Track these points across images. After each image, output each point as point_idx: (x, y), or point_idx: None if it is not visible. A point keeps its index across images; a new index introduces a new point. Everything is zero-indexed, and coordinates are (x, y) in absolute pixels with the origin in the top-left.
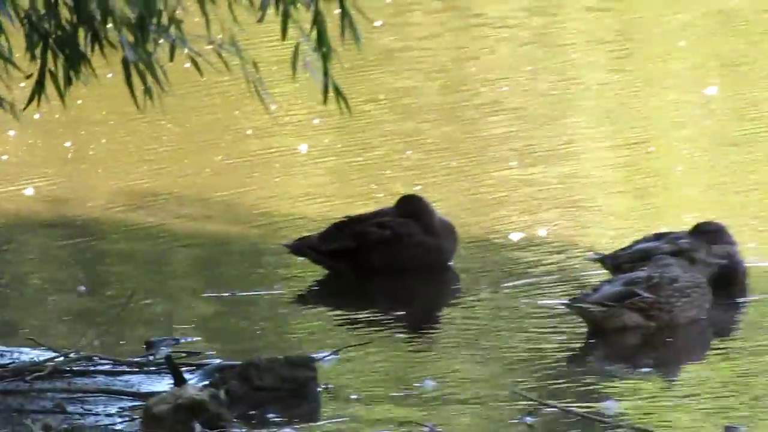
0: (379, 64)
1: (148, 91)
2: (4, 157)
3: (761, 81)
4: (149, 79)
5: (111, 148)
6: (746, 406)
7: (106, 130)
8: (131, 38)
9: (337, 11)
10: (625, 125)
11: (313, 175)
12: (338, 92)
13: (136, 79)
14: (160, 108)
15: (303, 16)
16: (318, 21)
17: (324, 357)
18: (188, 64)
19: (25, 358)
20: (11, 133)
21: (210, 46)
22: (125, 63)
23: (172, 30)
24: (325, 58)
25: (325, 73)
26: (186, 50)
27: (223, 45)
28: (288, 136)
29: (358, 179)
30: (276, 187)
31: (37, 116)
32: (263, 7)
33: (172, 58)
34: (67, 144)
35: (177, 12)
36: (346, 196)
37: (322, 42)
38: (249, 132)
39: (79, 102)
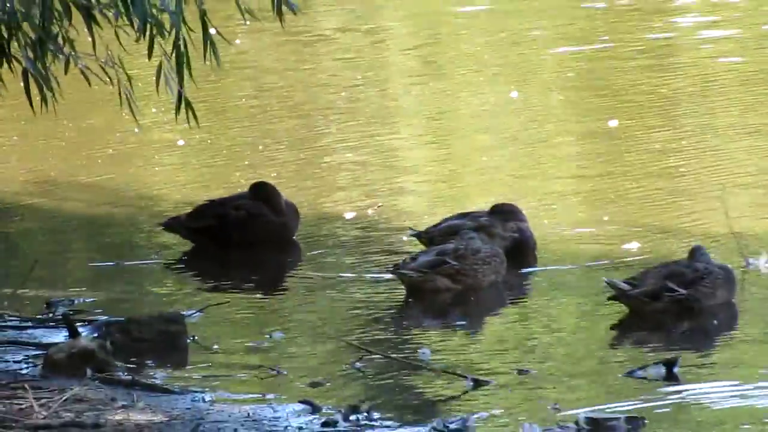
0: (237, 75)
1: (44, 98)
2: None
3: (553, 85)
4: (45, 87)
5: (21, 143)
6: (534, 354)
7: (17, 128)
8: (32, 55)
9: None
10: (439, 122)
11: (185, 164)
12: (189, 105)
13: (35, 89)
14: (54, 111)
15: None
16: (177, 46)
17: (192, 314)
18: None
19: None
20: None
21: (97, 62)
22: (25, 74)
23: (67, 48)
24: (180, 78)
25: (179, 93)
26: (78, 65)
27: (107, 62)
28: (168, 133)
29: (222, 168)
30: (154, 175)
31: None
32: (139, 31)
33: (66, 71)
34: None
35: (71, 33)
36: (211, 182)
37: (180, 65)
38: (135, 130)
39: None
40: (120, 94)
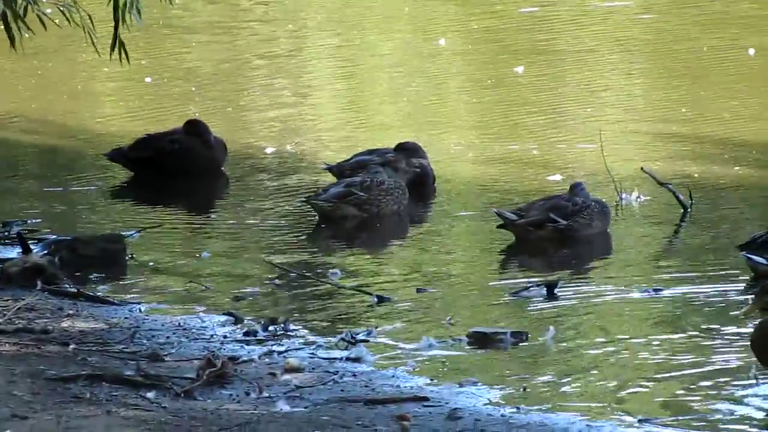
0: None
1: (12, 39)
2: None
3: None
4: (14, 28)
5: None
6: (431, 276)
7: None
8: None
9: None
10: (351, 70)
11: (129, 101)
12: (122, 45)
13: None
14: (23, 51)
15: None
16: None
17: (130, 234)
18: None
19: None
20: None
21: (56, 5)
22: (3, 17)
23: None
24: (116, 21)
25: (114, 34)
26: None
27: (65, 4)
28: (110, 76)
29: (158, 106)
30: (104, 112)
31: None
32: None
33: (25, 14)
34: None
35: None
36: (151, 119)
37: (116, 11)
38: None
39: None
40: (85, 32)
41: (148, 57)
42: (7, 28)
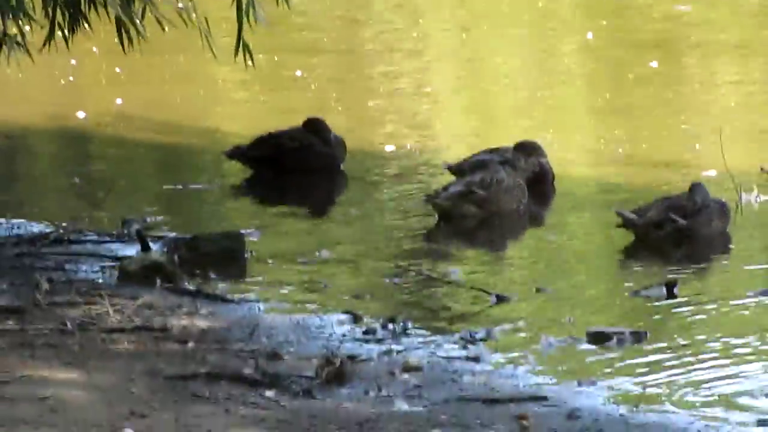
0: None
1: (130, 40)
2: None
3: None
4: (132, 29)
5: (105, 77)
6: (551, 274)
7: (101, 65)
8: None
9: None
10: (475, 66)
11: (249, 101)
12: (246, 48)
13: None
14: (139, 50)
15: None
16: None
17: (250, 232)
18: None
19: (34, 229)
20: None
21: (174, 8)
22: (118, 20)
23: None
24: (240, 23)
25: (238, 36)
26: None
27: (183, 7)
28: (237, 73)
29: (278, 104)
30: (224, 110)
31: (73, 61)
32: None
33: (143, 16)
34: (70, 77)
35: None
36: (270, 116)
37: (239, 12)
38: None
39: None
40: (201, 34)
41: (270, 54)
42: (120, 35)
